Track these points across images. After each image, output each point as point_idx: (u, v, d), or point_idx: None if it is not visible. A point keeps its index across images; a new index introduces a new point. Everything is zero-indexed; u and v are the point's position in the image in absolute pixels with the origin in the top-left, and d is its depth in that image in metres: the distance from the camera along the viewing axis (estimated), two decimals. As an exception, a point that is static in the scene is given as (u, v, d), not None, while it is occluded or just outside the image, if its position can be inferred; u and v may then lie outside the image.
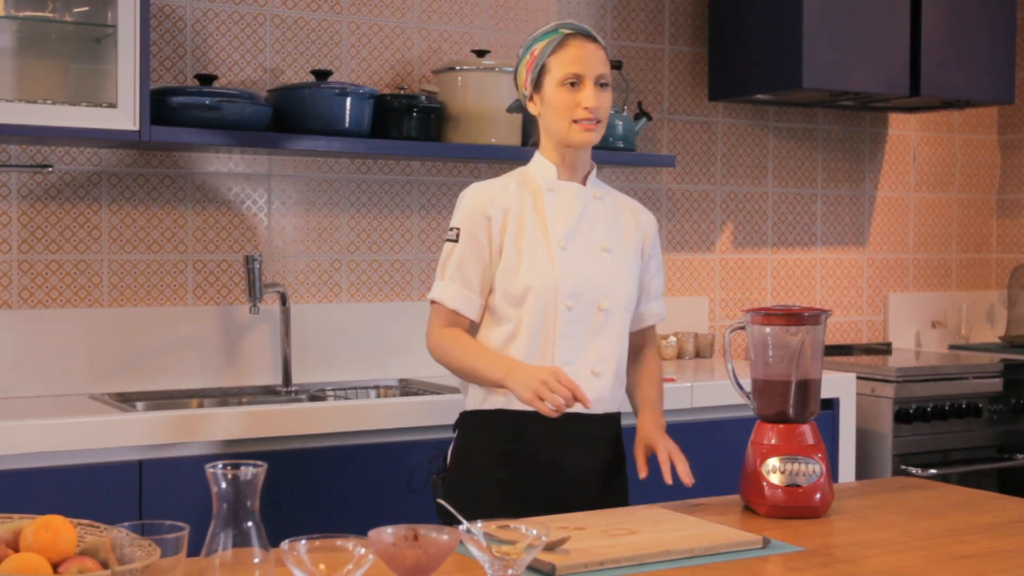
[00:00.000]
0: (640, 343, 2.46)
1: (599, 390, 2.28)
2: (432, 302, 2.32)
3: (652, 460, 2.28)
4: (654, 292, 2.44)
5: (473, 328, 2.33)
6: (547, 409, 2.06)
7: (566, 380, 2.07)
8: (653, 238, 2.43)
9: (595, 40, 2.30)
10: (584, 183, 2.36)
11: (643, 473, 2.26)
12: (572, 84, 2.26)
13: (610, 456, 2.33)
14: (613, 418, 2.34)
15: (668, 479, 2.20)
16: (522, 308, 2.25)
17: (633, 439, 2.32)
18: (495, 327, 2.29)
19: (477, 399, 2.31)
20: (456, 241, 2.29)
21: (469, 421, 2.34)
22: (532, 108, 2.34)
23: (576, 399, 2.06)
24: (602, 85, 2.28)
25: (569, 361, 2.26)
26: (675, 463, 2.21)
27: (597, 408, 2.29)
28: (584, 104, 2.25)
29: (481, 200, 2.30)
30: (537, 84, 2.30)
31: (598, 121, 2.28)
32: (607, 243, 2.33)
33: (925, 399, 3.86)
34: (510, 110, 2.52)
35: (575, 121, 2.27)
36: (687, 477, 2.19)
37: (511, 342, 2.26)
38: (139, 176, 3.25)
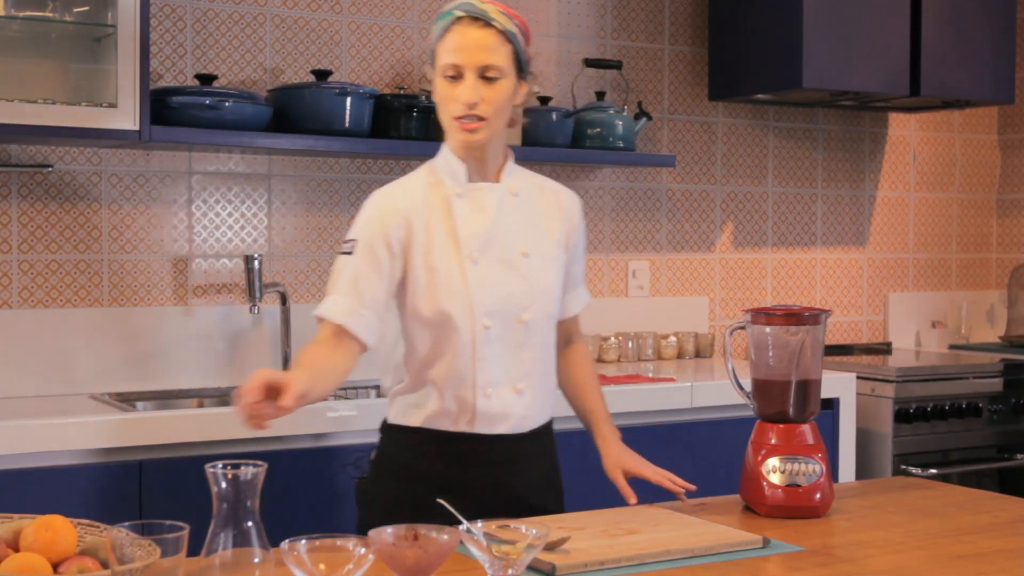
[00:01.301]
0: (566, 335, 2.32)
1: (523, 408, 2.14)
2: (318, 320, 2.05)
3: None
4: (577, 279, 2.28)
5: (363, 352, 2.07)
6: (252, 425, 1.81)
7: (245, 393, 1.78)
8: (579, 223, 2.24)
9: (488, 24, 2.04)
10: (498, 178, 2.16)
11: (633, 499, 2.17)
12: (452, 77, 2.05)
13: (540, 472, 2.21)
14: (541, 433, 2.20)
15: (683, 494, 2.14)
16: (437, 330, 2.08)
17: (568, 444, 2.27)
18: (411, 351, 2.12)
19: (398, 412, 2.17)
20: (351, 254, 2.06)
21: (389, 434, 2.19)
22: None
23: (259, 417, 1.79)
24: (490, 78, 2.04)
25: (493, 383, 2.10)
26: (670, 477, 2.17)
27: (522, 426, 2.15)
28: (460, 99, 2.03)
29: (383, 211, 2.09)
30: (434, 72, 2.10)
31: (481, 119, 2.04)
32: (527, 247, 2.14)
33: (925, 399, 3.86)
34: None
35: (456, 118, 2.06)
36: (687, 485, 2.14)
37: (431, 366, 2.10)
38: (139, 176, 3.25)
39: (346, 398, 3.34)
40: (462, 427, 2.11)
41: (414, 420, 2.13)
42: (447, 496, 1.89)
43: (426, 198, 2.12)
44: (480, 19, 2.04)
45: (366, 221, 2.10)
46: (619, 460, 2.22)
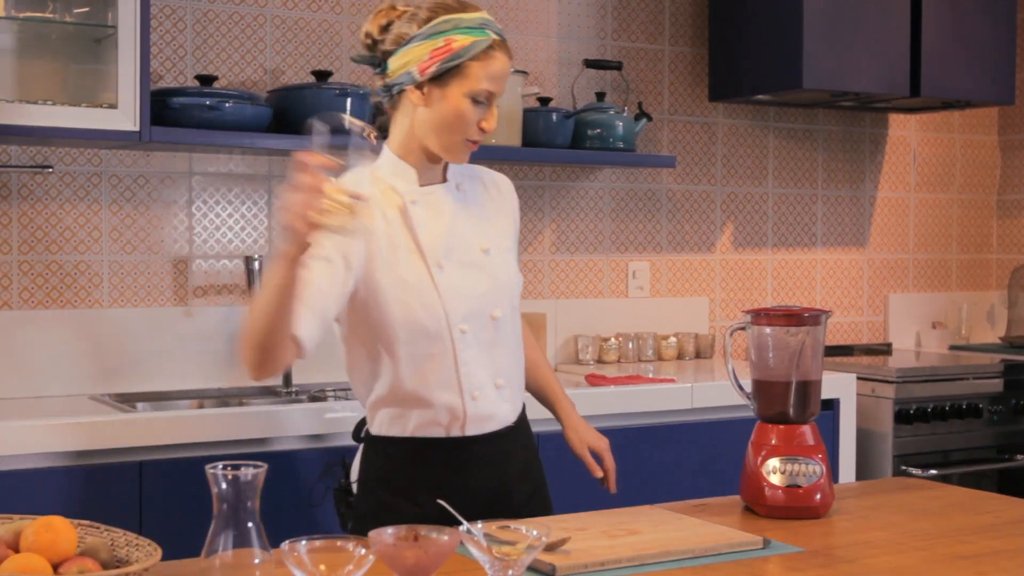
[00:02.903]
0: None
1: (506, 403, 2.13)
2: None
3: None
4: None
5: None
6: (306, 222, 1.67)
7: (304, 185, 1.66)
8: (517, 204, 2.25)
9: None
10: (444, 177, 2.13)
11: (600, 473, 2.27)
12: (480, 102, 2.02)
13: (523, 460, 2.20)
14: (520, 422, 2.20)
15: (615, 488, 2.27)
16: (413, 342, 2.03)
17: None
18: (385, 367, 2.05)
19: (382, 423, 2.10)
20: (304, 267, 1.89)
21: (374, 445, 2.13)
22: (413, 97, 2.03)
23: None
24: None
25: (478, 385, 2.08)
26: (612, 472, 2.30)
27: (507, 420, 2.14)
28: (485, 127, 2.04)
29: None
30: (439, 78, 2.01)
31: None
32: (485, 243, 2.12)
33: (925, 399, 3.86)
34: (356, 59, 2.15)
35: (469, 140, 2.04)
36: (612, 487, 2.29)
37: (412, 379, 2.04)
38: (139, 177, 3.25)
39: (346, 398, 3.34)
40: (453, 432, 2.08)
41: (402, 431, 2.09)
42: (443, 499, 1.83)
43: (382, 209, 2.04)
44: (507, 46, 2.05)
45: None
46: (585, 437, 2.30)
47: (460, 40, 1.98)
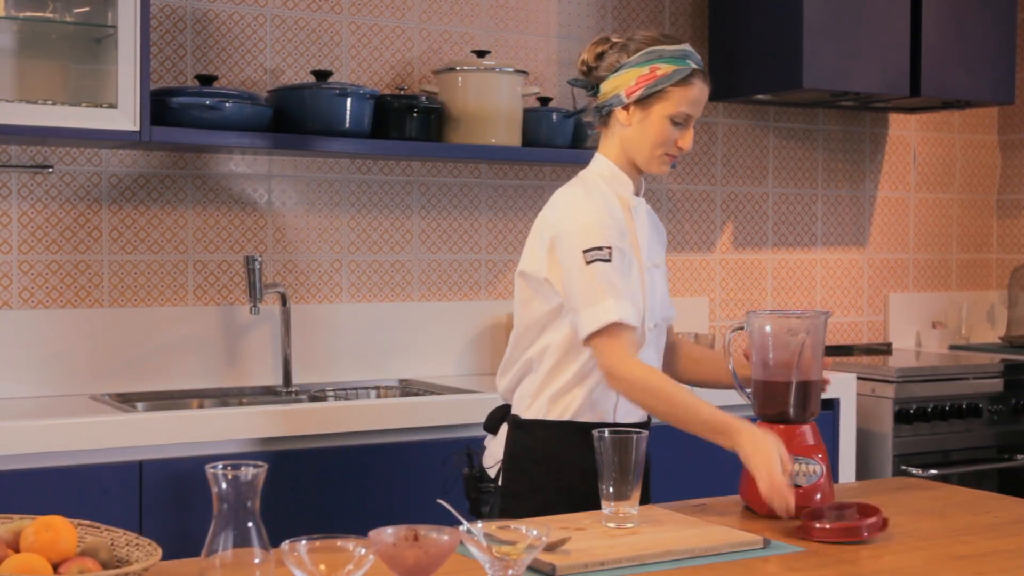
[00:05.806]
0: (672, 340, 2.49)
1: None
2: (614, 324, 2.14)
3: None
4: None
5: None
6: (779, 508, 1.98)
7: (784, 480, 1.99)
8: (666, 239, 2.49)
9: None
10: (639, 192, 2.37)
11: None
12: (678, 122, 2.25)
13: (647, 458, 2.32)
14: (647, 425, 2.36)
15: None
16: None
17: None
18: (570, 346, 2.23)
19: (540, 408, 2.26)
20: (609, 260, 2.15)
21: (527, 428, 2.28)
22: (622, 117, 2.27)
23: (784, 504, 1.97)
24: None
25: None
26: None
27: (644, 416, 2.33)
28: (682, 145, 2.27)
29: (608, 214, 2.21)
30: (643, 101, 2.25)
31: None
32: (658, 260, 2.36)
33: (925, 399, 3.86)
34: (572, 83, 2.40)
35: (667, 154, 2.28)
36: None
37: (589, 359, 2.22)
38: (139, 176, 3.25)
39: (346, 398, 3.34)
40: (607, 417, 2.26)
41: (560, 414, 2.25)
42: (592, 480, 2.00)
43: (619, 207, 2.27)
44: (705, 74, 2.27)
45: (604, 227, 2.19)
46: None
47: (664, 68, 2.23)
